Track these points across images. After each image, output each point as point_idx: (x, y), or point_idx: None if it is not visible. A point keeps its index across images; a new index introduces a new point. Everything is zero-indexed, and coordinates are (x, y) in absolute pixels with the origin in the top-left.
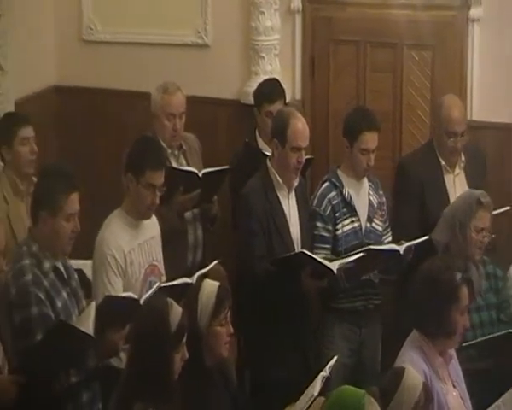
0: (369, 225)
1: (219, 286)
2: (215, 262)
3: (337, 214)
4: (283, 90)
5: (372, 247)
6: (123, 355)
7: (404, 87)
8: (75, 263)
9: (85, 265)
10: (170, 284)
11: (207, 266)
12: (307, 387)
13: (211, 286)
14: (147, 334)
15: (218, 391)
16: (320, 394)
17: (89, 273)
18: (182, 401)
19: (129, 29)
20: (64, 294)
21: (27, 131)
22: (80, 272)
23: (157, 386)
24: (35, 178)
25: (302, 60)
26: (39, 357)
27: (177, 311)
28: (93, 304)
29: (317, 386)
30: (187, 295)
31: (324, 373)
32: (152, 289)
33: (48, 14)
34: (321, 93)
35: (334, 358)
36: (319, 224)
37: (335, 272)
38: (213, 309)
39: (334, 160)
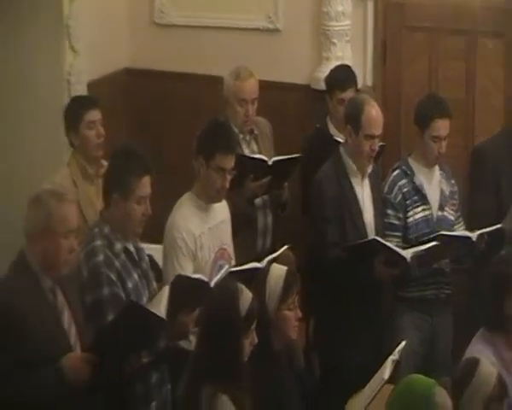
0: (440, 213)
1: (287, 271)
2: (284, 248)
3: (408, 202)
4: (355, 77)
5: (444, 232)
6: (192, 338)
7: (478, 75)
8: (145, 247)
9: (155, 249)
10: (239, 268)
11: (277, 251)
12: (376, 372)
13: (279, 270)
14: (217, 318)
15: (285, 374)
16: (390, 381)
17: (158, 257)
18: (251, 383)
19: (200, 13)
20: (135, 275)
21: (93, 115)
22: (149, 257)
23: (226, 370)
24: (104, 161)
25: (374, 46)
26: (111, 338)
27: (247, 296)
28: (166, 288)
29: (386, 370)
30: (255, 280)
31: (394, 357)
32: (221, 273)
33: None
34: (392, 79)
35: (403, 342)
36: (390, 211)
37: (409, 260)
38: (281, 293)
39: (405, 147)
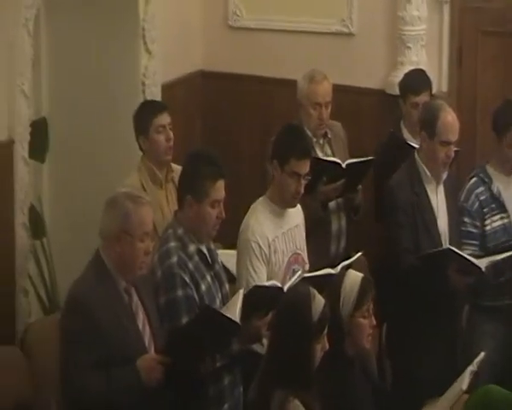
0: None
1: (363, 277)
2: (359, 254)
3: (485, 210)
4: (430, 82)
5: None
6: (265, 341)
7: None
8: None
9: (226, 254)
10: (313, 274)
11: (351, 256)
12: (451, 381)
13: (354, 277)
14: (289, 322)
15: (358, 381)
16: (467, 392)
17: (228, 262)
18: (323, 389)
19: (274, 16)
20: (208, 277)
21: (162, 119)
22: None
23: (297, 374)
24: (175, 165)
25: (449, 51)
26: (185, 341)
27: (319, 301)
28: (241, 292)
29: (465, 380)
30: (330, 285)
31: (472, 368)
32: (294, 277)
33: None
34: (468, 85)
35: (482, 353)
36: (467, 219)
37: (483, 269)
38: (356, 300)
39: (481, 153)
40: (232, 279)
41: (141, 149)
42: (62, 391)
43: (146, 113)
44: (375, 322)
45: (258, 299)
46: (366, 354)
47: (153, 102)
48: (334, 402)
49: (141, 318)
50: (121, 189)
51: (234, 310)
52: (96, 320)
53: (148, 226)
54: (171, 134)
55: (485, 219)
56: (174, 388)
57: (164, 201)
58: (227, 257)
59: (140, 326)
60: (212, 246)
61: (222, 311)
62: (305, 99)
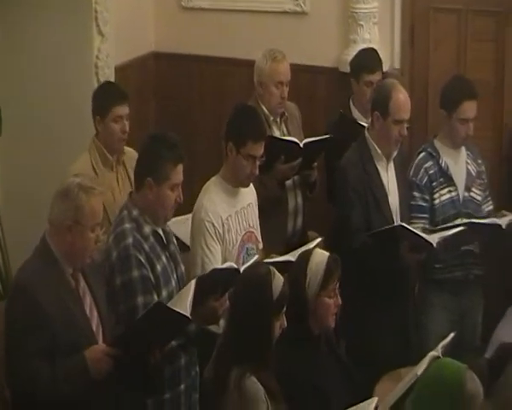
0: (467, 194)
1: (329, 256)
2: (318, 239)
3: (434, 184)
4: (381, 60)
5: (473, 220)
6: (221, 321)
7: (507, 56)
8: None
9: (176, 222)
10: (272, 260)
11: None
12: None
13: (321, 256)
14: (248, 299)
15: (325, 359)
16: None
17: (179, 230)
18: (284, 367)
19: None
20: (163, 258)
21: (121, 109)
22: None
23: (255, 352)
24: (127, 147)
25: (401, 28)
26: (134, 335)
27: (279, 279)
28: (193, 282)
29: (423, 365)
30: (296, 263)
31: (435, 353)
32: (252, 260)
33: None
34: (420, 62)
35: (451, 335)
36: (416, 193)
37: (435, 245)
38: (322, 279)
39: (432, 129)
40: (183, 248)
41: (96, 128)
42: (8, 382)
43: (107, 97)
44: (340, 301)
45: (215, 280)
46: (330, 333)
47: (115, 87)
48: (301, 381)
49: (88, 303)
50: (73, 176)
51: (185, 302)
52: (39, 304)
53: (100, 216)
54: (127, 126)
55: (434, 193)
56: (123, 378)
57: (115, 183)
58: (178, 225)
59: (87, 311)
60: (167, 228)
61: (174, 300)
62: (267, 78)
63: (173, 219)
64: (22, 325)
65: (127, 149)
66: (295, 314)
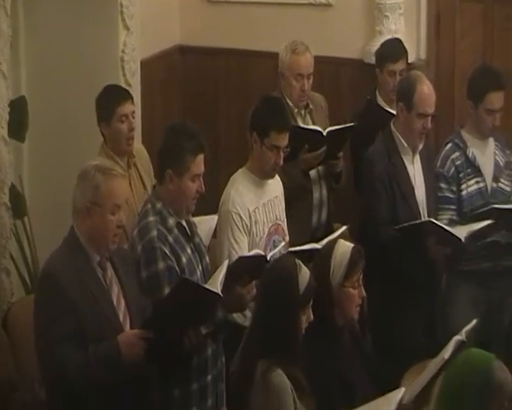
0: (495, 185)
1: (353, 247)
2: (344, 228)
3: (461, 175)
4: (406, 50)
5: (496, 206)
6: (248, 313)
7: None
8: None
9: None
10: (298, 248)
11: (332, 227)
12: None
13: (345, 246)
14: (275, 293)
15: (349, 351)
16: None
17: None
18: (310, 360)
19: None
20: (188, 250)
21: (126, 108)
22: None
23: (282, 344)
24: (137, 145)
25: (427, 19)
26: (165, 315)
27: (305, 272)
28: (225, 263)
29: (449, 349)
30: (320, 254)
31: (460, 337)
32: (278, 247)
33: None
34: (446, 53)
35: (473, 321)
36: (443, 185)
37: (463, 240)
38: (346, 270)
39: (459, 120)
40: None
41: (102, 134)
42: (41, 370)
43: (109, 99)
44: (364, 293)
45: (242, 268)
46: (354, 325)
47: (116, 87)
48: (324, 373)
49: (115, 292)
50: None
51: (216, 281)
52: (64, 290)
53: (119, 199)
54: (134, 124)
55: (461, 184)
56: (156, 363)
57: (128, 188)
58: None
59: (114, 301)
60: (192, 219)
61: (203, 282)
62: (288, 70)
63: (195, 219)
64: (49, 311)
65: (137, 147)
66: (320, 305)
